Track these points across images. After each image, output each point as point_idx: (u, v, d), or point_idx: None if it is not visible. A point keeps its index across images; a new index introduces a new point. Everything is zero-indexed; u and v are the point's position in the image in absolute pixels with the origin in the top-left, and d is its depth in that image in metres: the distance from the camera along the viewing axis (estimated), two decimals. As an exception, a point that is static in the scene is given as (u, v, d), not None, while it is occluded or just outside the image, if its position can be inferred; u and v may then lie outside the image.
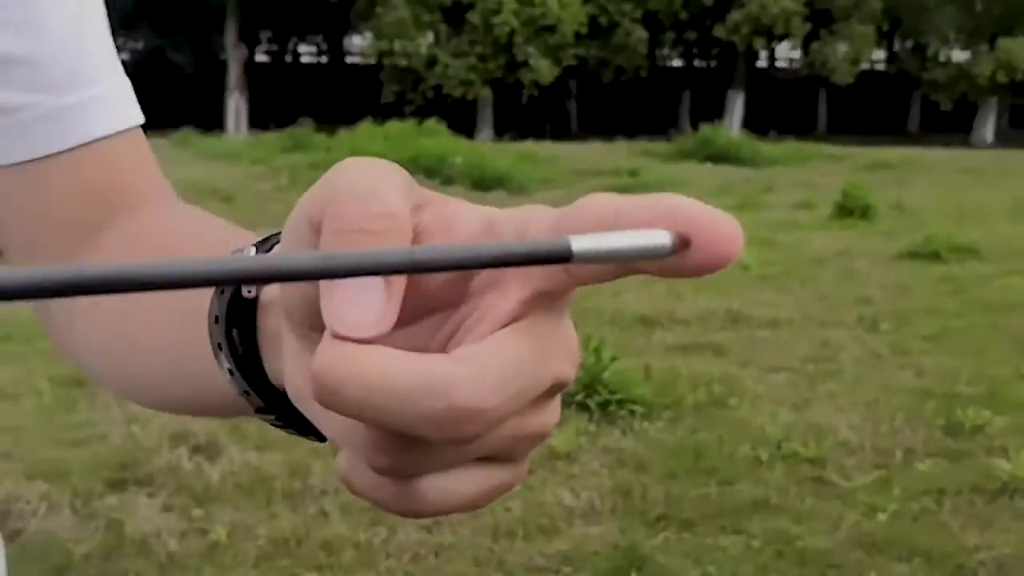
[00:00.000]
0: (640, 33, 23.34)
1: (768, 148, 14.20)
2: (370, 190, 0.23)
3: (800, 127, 23.46)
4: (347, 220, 0.23)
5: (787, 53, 29.62)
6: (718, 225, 0.21)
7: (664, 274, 0.22)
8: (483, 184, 10.08)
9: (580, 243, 0.20)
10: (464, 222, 0.25)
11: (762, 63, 29.64)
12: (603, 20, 22.82)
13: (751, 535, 2.47)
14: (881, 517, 2.57)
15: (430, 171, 10.22)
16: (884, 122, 26.31)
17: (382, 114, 16.76)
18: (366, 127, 13.64)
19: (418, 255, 0.20)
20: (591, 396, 3.16)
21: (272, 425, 0.38)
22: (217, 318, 0.36)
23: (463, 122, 18.62)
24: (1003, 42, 23.21)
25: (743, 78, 25.57)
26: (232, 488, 2.72)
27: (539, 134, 19.28)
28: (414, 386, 0.21)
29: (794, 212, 8.52)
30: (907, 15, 25.11)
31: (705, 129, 14.87)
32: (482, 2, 21.82)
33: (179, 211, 0.54)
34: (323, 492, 2.70)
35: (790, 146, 15.16)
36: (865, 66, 25.51)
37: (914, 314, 4.81)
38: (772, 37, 24.93)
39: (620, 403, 3.18)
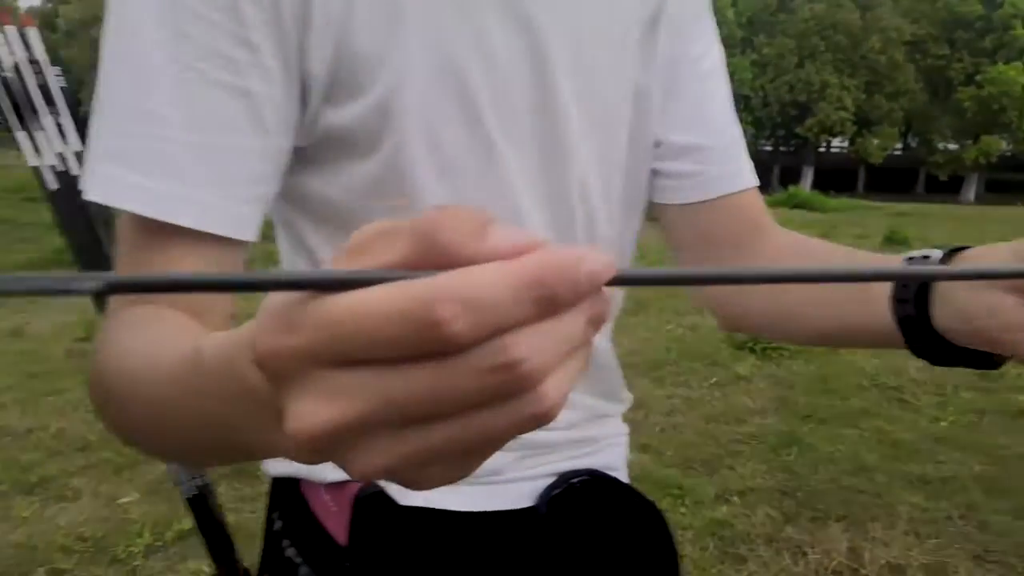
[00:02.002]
0: (750, 131, 36.41)
1: (830, 201, 18.43)
2: None
3: (847, 188, 35.93)
4: None
5: (839, 143, 44.49)
6: None
7: None
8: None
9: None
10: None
11: (823, 149, 43.74)
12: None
13: (862, 430, 3.78)
14: (943, 424, 3.74)
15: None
16: (901, 187, 40.05)
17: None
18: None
19: None
20: (757, 344, 4.59)
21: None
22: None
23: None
24: (984, 138, 36.19)
25: (812, 158, 39.87)
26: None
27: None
28: None
29: (856, 241, 10.20)
30: (918, 122, 39.29)
31: (790, 188, 19.50)
32: None
33: (792, 233, 0.73)
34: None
35: (843, 200, 19.96)
36: (890, 152, 39.34)
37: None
38: (831, 133, 39.07)
39: (774, 348, 4.59)
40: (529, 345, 0.23)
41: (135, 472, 3.16)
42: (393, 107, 0.57)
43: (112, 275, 0.22)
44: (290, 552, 0.69)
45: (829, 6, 36.88)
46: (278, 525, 0.71)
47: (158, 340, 0.46)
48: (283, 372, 0.24)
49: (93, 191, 0.52)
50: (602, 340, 0.76)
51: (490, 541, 0.69)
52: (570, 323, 0.24)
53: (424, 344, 0.22)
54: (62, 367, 4.63)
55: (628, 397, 0.82)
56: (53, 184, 0.79)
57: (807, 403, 4.01)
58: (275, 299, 0.24)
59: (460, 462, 0.26)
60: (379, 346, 0.22)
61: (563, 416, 0.73)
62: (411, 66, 0.57)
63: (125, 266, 0.56)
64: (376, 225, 0.24)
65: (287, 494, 0.71)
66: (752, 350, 4.60)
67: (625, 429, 0.83)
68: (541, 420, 0.24)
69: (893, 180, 40.57)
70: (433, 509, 0.67)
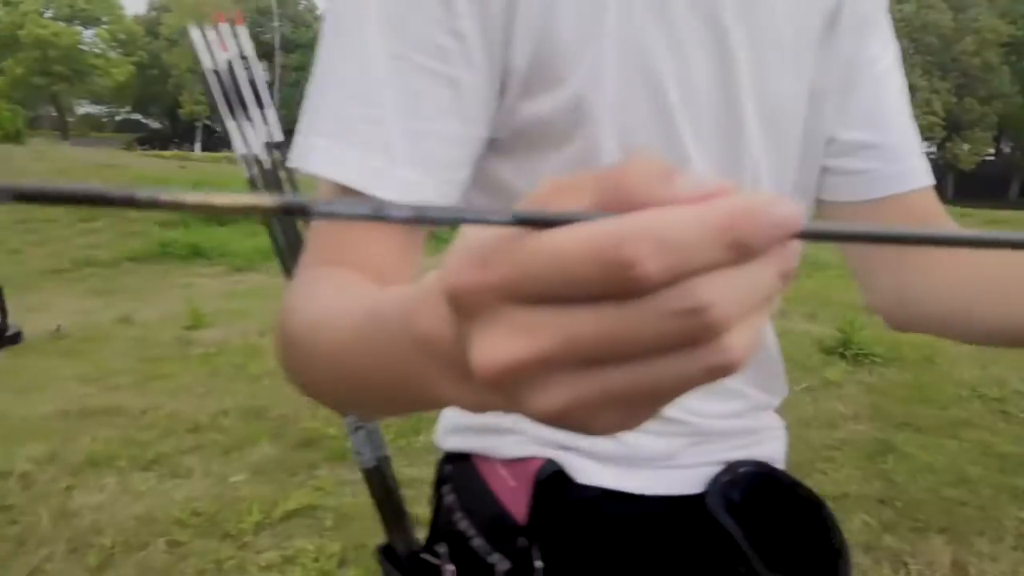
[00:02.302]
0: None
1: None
2: None
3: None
4: None
5: (927, 149, 42.87)
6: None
7: None
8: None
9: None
10: None
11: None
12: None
13: (962, 440, 3.63)
14: (1047, 437, 3.67)
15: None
16: (993, 193, 36.40)
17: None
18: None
19: None
20: (848, 349, 4.46)
21: None
22: None
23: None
24: (1074, 144, 35.17)
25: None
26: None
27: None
28: None
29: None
30: (1013, 126, 37.78)
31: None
32: None
33: None
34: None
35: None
36: (982, 158, 38.47)
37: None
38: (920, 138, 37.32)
39: (865, 354, 4.45)
40: (718, 291, 0.22)
41: (243, 453, 3.28)
42: (588, 102, 0.58)
43: (421, 204, 0.23)
44: (463, 525, 0.71)
45: (919, 7, 35.60)
46: (450, 499, 0.73)
47: (342, 293, 0.47)
48: (473, 307, 0.24)
49: (308, 162, 0.55)
50: (767, 329, 0.76)
51: (662, 524, 0.69)
52: (760, 273, 0.23)
53: (612, 284, 0.22)
54: (171, 353, 4.85)
55: (784, 390, 0.81)
56: (255, 172, 0.83)
57: (903, 411, 3.88)
58: (470, 237, 0.24)
59: (635, 409, 0.25)
60: (569, 284, 0.22)
61: (729, 405, 0.73)
62: (606, 60, 0.58)
63: (322, 234, 0.58)
64: (562, 177, 0.24)
65: (460, 469, 0.73)
66: (843, 356, 4.47)
67: (782, 423, 0.82)
68: (723, 372, 0.23)
69: (984, 186, 37.87)
70: (609, 489, 0.67)
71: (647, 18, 0.59)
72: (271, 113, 0.59)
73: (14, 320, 5.11)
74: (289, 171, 0.84)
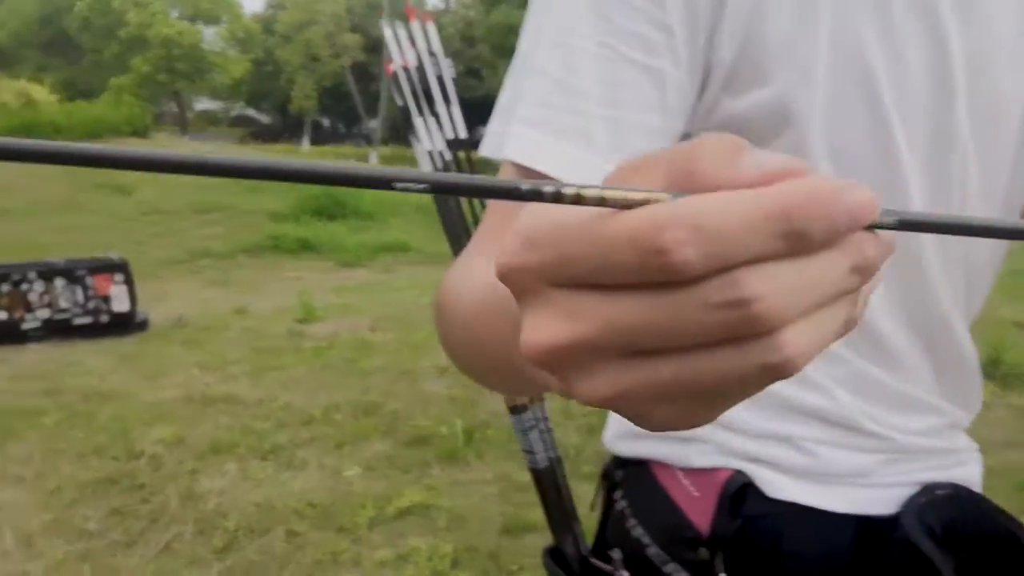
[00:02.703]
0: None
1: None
2: None
3: None
4: None
5: None
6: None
7: None
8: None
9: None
10: None
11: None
12: None
13: None
14: None
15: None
16: None
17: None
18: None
19: None
20: (997, 369, 4.20)
21: None
22: None
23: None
24: None
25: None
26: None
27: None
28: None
29: None
30: None
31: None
32: None
33: None
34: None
35: None
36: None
37: None
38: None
39: (1016, 375, 4.18)
40: (766, 283, 0.21)
41: (355, 448, 3.38)
42: (795, 101, 0.58)
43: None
44: (637, 532, 0.70)
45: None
46: (622, 504, 0.73)
47: (480, 269, 0.47)
48: (520, 288, 0.24)
49: (505, 148, 0.56)
50: (965, 338, 0.72)
51: (853, 544, 0.67)
52: (824, 266, 0.21)
53: (649, 271, 0.21)
54: (284, 345, 5.06)
55: (978, 406, 0.77)
56: (440, 167, 0.87)
57: (1061, 439, 3.63)
58: (523, 218, 0.24)
59: (692, 406, 0.24)
60: (609, 270, 0.21)
61: (926, 420, 0.70)
62: (818, 57, 0.57)
63: (491, 215, 0.59)
64: (642, 155, 0.23)
65: (635, 475, 0.73)
66: (991, 376, 4.21)
67: (975, 445, 0.78)
68: (777, 372, 0.22)
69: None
70: (799, 505, 0.66)
71: (862, 8, 0.57)
72: (456, 110, 0.61)
73: (141, 308, 5.45)
74: (472, 166, 0.87)
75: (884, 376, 0.67)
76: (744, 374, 0.22)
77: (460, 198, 0.95)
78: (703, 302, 0.21)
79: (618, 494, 0.74)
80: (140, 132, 16.98)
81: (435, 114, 0.64)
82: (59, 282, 5.13)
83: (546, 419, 0.70)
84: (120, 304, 5.25)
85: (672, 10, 0.55)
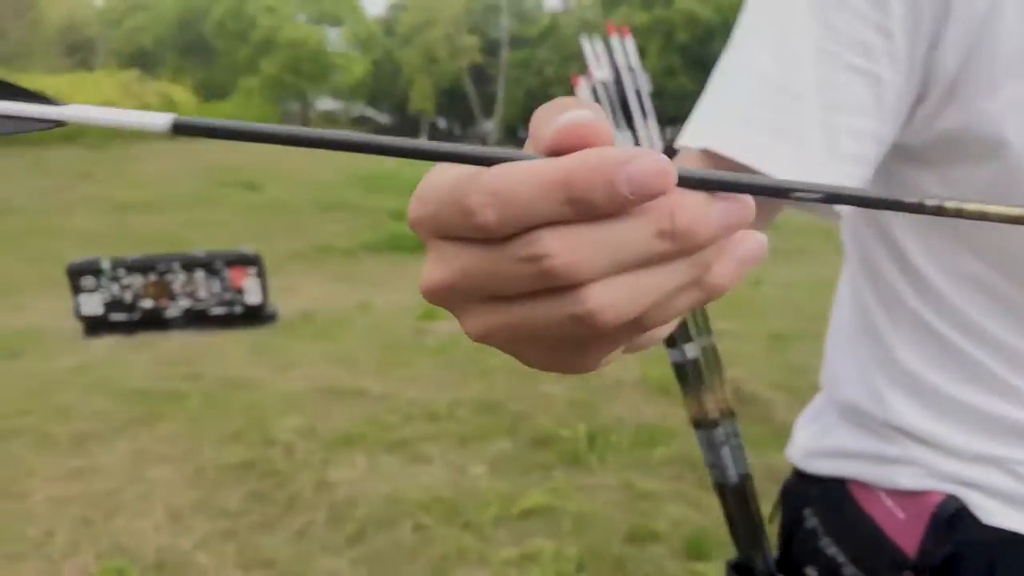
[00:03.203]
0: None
1: None
2: None
3: None
4: None
5: None
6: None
7: None
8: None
9: None
10: None
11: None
12: None
13: None
14: None
15: None
16: None
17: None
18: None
19: None
20: None
21: None
22: None
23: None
24: None
25: None
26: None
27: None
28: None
29: None
30: None
31: None
32: None
33: None
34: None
35: None
36: None
37: None
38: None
39: None
40: (562, 241, 0.23)
41: (480, 445, 3.45)
42: (1011, 123, 0.56)
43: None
44: (832, 551, 0.70)
45: None
46: (812, 522, 0.72)
47: None
48: (422, 237, 0.27)
49: (711, 140, 0.57)
50: None
51: None
52: (624, 229, 0.23)
53: (468, 229, 0.24)
54: (408, 342, 5.20)
55: None
56: None
57: None
58: (426, 177, 0.27)
59: (546, 349, 0.27)
60: (450, 226, 0.25)
61: None
62: None
63: None
64: (571, 109, 0.24)
65: (829, 493, 0.72)
66: None
67: None
68: (585, 323, 0.24)
69: None
70: (1016, 533, 0.64)
71: None
72: (652, 122, 0.62)
73: (270, 301, 5.72)
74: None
75: None
76: (559, 322, 0.25)
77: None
78: (511, 257, 0.24)
79: (808, 511, 0.74)
80: (269, 131, 17.79)
81: (632, 128, 0.65)
82: (199, 274, 5.45)
83: (737, 435, 0.70)
84: (253, 296, 5.53)
85: (894, 14, 0.55)
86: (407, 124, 41.29)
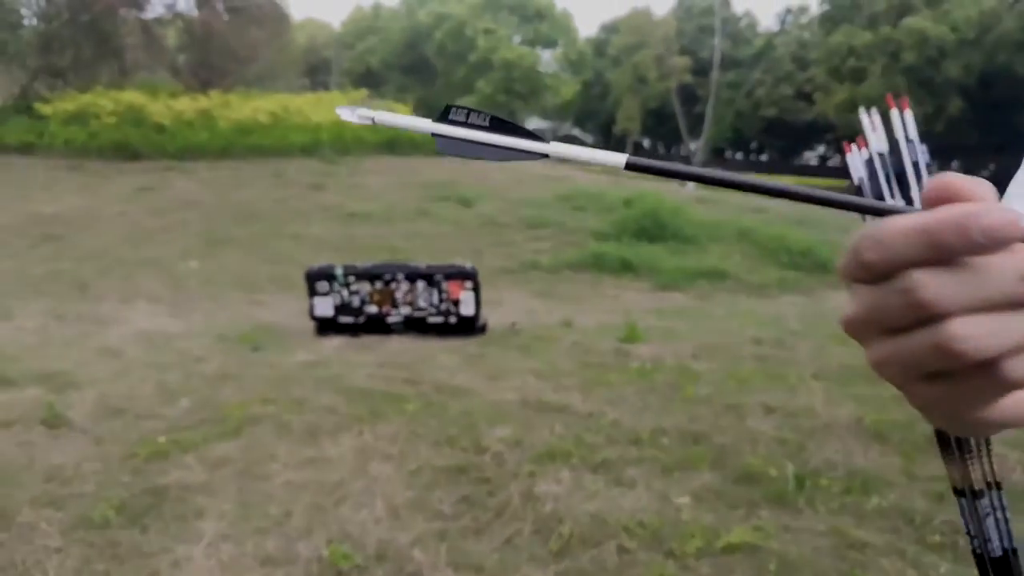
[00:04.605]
0: None
1: None
2: None
3: None
4: None
5: None
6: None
7: None
8: None
9: None
10: None
11: None
12: None
13: None
14: None
15: None
16: None
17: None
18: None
19: None
20: None
21: None
22: None
23: None
24: None
25: None
26: None
27: None
28: None
29: None
30: None
31: None
32: None
33: None
34: None
35: None
36: None
37: None
38: None
39: None
40: (927, 277, 0.27)
41: (684, 475, 3.43)
42: None
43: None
44: None
45: None
46: None
47: None
48: (844, 284, 0.32)
49: None
50: None
51: None
52: (987, 271, 0.27)
53: (858, 269, 0.30)
54: (610, 362, 5.26)
55: None
56: None
57: None
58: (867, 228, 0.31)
59: (924, 388, 0.31)
60: (847, 269, 0.30)
61: None
62: None
63: None
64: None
65: None
66: None
67: None
68: (942, 350, 0.28)
69: None
70: None
71: None
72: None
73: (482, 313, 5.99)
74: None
75: None
76: (924, 350, 0.28)
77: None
78: (891, 289, 0.28)
79: None
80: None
81: (908, 198, 0.66)
82: (420, 284, 5.81)
83: (1004, 508, 0.69)
84: (467, 308, 5.82)
85: None
86: (611, 143, 41.47)
